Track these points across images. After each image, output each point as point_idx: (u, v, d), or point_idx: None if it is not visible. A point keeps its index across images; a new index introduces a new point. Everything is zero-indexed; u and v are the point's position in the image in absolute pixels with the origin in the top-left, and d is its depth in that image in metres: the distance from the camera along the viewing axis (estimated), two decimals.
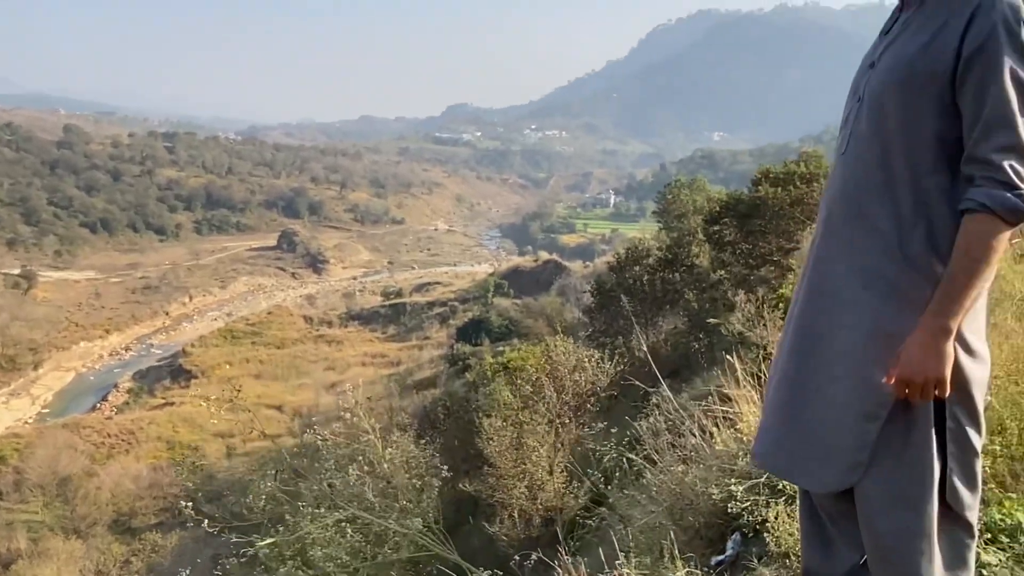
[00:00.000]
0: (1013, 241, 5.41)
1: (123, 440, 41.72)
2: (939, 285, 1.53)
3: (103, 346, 69.33)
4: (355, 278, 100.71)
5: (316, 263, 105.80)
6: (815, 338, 1.71)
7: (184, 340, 67.01)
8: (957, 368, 1.57)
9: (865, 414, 1.61)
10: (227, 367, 53.31)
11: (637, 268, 25.43)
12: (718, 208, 20.83)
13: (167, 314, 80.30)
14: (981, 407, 1.64)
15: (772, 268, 17.66)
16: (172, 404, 47.72)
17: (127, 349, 70.07)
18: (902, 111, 1.57)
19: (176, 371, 56.46)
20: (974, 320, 1.61)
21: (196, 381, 51.36)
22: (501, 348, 32.34)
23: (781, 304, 5.62)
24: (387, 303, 72.93)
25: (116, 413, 49.11)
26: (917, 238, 1.58)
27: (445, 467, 5.87)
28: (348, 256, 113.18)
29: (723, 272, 20.17)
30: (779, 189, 18.59)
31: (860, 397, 1.62)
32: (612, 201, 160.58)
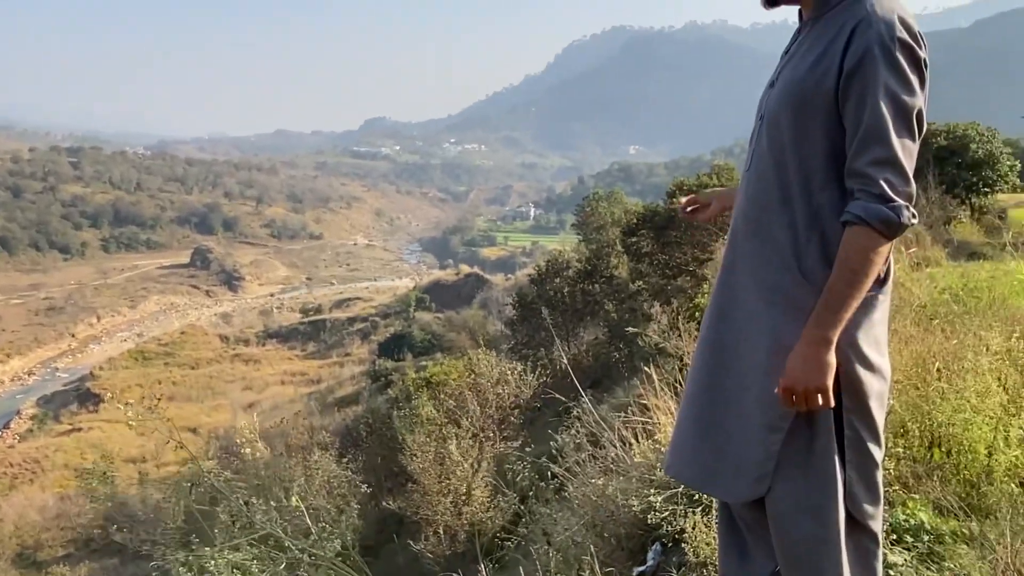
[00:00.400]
0: (910, 251, 5.67)
1: (27, 469, 39.65)
2: (820, 296, 1.57)
3: (3, 371, 65.83)
4: (272, 295, 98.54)
5: (231, 280, 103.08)
6: (725, 351, 1.75)
7: (92, 363, 64.29)
8: (855, 380, 1.62)
9: (769, 426, 1.64)
10: (138, 389, 51.30)
11: (558, 280, 25.65)
12: (635, 220, 21.20)
13: (73, 336, 76.89)
14: (880, 420, 1.67)
15: (688, 278, 18.06)
16: (80, 430, 45.64)
17: (30, 374, 66.77)
18: (794, 128, 1.61)
19: (84, 395, 54.03)
20: (872, 332, 1.65)
21: (105, 405, 49.25)
22: (424, 363, 32.08)
23: (697, 314, 5.74)
24: (306, 320, 71.59)
25: (19, 441, 46.67)
26: (812, 252, 1.62)
27: (365, 486, 5.75)
28: (265, 272, 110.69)
29: (641, 283, 20.52)
30: None
31: (764, 409, 1.65)
32: (532, 214, 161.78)
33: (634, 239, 20.65)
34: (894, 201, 1.51)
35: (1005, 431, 2.56)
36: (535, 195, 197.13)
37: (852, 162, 1.55)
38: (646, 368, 3.43)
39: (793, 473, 1.64)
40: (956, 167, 14.64)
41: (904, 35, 1.52)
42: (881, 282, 1.66)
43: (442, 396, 15.54)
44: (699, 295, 13.89)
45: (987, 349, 2.82)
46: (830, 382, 1.56)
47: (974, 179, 14.93)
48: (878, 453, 1.68)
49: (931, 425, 2.61)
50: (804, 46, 1.66)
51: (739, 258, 1.75)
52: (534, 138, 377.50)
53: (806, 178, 1.62)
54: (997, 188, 15.74)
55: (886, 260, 1.63)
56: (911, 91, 1.53)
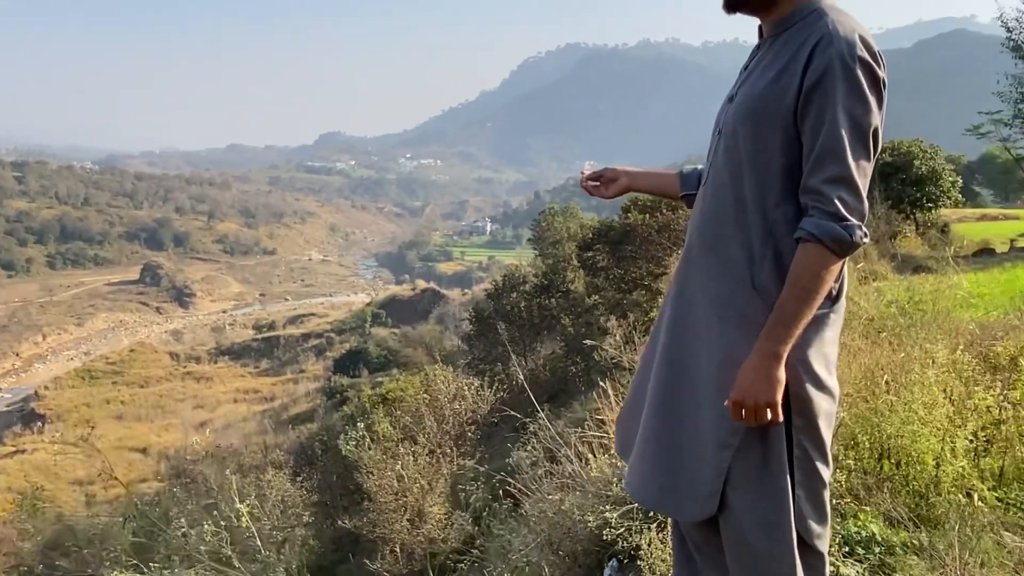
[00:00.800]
0: (858, 265, 5.78)
1: None
2: (772, 312, 1.57)
3: None
4: (225, 311, 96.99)
5: (182, 297, 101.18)
6: (680, 368, 1.74)
7: (37, 382, 62.42)
8: (804, 399, 1.62)
9: (720, 443, 1.64)
10: (85, 409, 49.96)
11: (514, 295, 25.67)
12: (591, 235, 21.36)
13: (17, 355, 74.64)
14: (828, 439, 1.68)
15: (643, 292, 18.20)
16: (24, 452, 44.18)
17: None
18: (752, 143, 1.62)
19: (28, 416, 52.37)
20: (822, 351, 1.65)
21: (51, 425, 47.82)
22: (380, 379, 31.81)
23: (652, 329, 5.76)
24: (259, 336, 70.54)
25: None
26: (766, 268, 1.62)
27: (307, 513, 5.63)
28: (217, 289, 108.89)
29: (597, 297, 20.63)
30: (647, 216, 19.26)
31: (716, 426, 1.65)
32: (488, 229, 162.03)
33: (590, 253, 20.78)
34: (847, 220, 1.52)
35: (952, 442, 2.61)
36: (491, 210, 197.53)
37: (807, 179, 1.56)
38: (602, 383, 3.42)
39: (748, 489, 1.64)
40: (901, 183, 15.06)
41: (865, 54, 1.54)
42: (833, 299, 1.66)
43: (398, 412, 15.42)
44: (654, 308, 14.01)
45: (933, 362, 2.88)
46: (779, 397, 1.56)
47: (918, 195, 15.38)
48: (826, 472, 1.68)
49: (880, 437, 2.65)
50: (764, 62, 1.67)
51: (693, 273, 1.75)
52: (490, 153, 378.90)
53: (762, 194, 1.62)
54: (940, 203, 16.23)
55: (838, 277, 1.64)
56: (869, 110, 1.55)
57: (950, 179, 16.07)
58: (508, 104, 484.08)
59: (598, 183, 2.15)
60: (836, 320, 1.69)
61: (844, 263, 1.62)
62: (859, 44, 1.54)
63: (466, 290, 73.42)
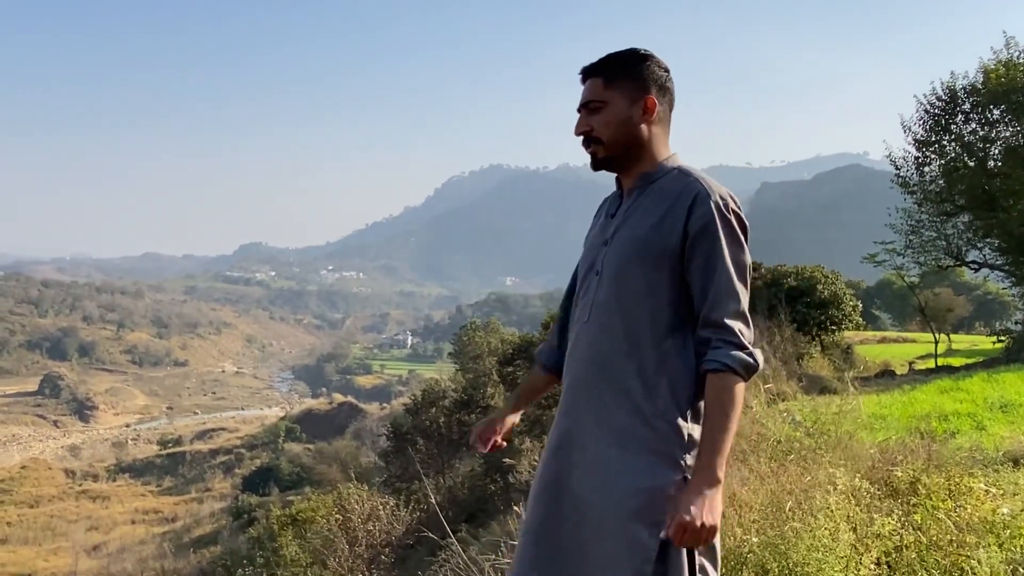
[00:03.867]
0: (767, 386, 5.97)
1: None
2: (702, 441, 1.69)
3: None
4: (128, 425, 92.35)
5: (83, 409, 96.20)
6: (574, 501, 1.76)
7: None
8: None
9: (636, 572, 1.65)
10: None
11: (434, 410, 25.30)
12: (511, 350, 21.46)
13: None
14: (717, 547, 1.77)
15: None
16: None
17: None
18: (643, 282, 1.78)
19: None
20: None
21: None
22: (292, 497, 30.53)
23: None
24: (164, 452, 67.16)
25: None
26: (662, 395, 1.74)
27: None
28: (121, 401, 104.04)
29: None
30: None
31: (630, 556, 1.66)
32: (409, 342, 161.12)
33: (510, 368, 20.80)
34: (747, 348, 1.72)
35: (856, 569, 2.65)
36: (413, 323, 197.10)
37: (709, 314, 1.74)
38: (516, 508, 3.38)
39: None
40: (806, 306, 15.77)
41: (735, 207, 1.80)
42: None
43: (309, 534, 14.75)
44: None
45: (835, 488, 2.96)
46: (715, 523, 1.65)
47: (822, 317, 16.10)
48: None
49: (788, 564, 2.68)
50: (638, 210, 1.85)
51: (583, 407, 1.81)
52: (412, 267, 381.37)
53: (654, 327, 1.77)
54: (843, 326, 17.01)
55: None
56: (745, 251, 1.80)
57: (851, 303, 16.91)
58: (431, 220, 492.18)
59: (492, 438, 2.17)
60: None
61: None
62: (730, 199, 1.79)
63: (385, 404, 72.09)
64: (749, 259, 1.80)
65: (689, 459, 1.71)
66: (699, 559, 1.69)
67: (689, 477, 1.68)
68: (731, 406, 1.68)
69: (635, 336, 1.77)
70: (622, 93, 1.87)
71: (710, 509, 1.62)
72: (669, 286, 1.77)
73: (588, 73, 1.91)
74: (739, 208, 1.80)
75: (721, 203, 1.77)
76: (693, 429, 1.74)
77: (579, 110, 1.92)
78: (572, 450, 1.80)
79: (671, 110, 1.93)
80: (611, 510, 1.70)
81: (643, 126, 1.87)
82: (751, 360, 1.71)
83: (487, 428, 2.17)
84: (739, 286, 1.75)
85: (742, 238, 1.79)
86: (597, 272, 1.88)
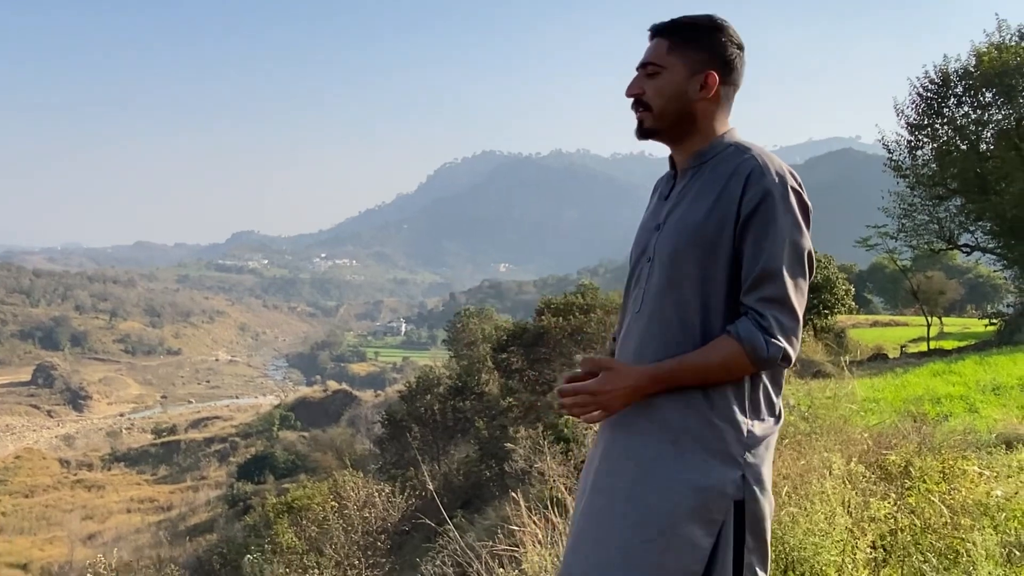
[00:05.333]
0: None
1: None
2: (678, 357, 1.62)
3: None
4: (122, 414, 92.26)
5: (77, 399, 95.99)
6: (625, 498, 1.66)
7: None
8: (759, 518, 1.61)
9: (685, 571, 1.58)
10: None
11: (428, 397, 25.38)
12: (505, 337, 21.49)
13: None
14: (768, 544, 1.68)
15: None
16: None
17: None
18: (697, 269, 1.65)
19: None
20: (769, 470, 1.67)
21: None
22: (287, 485, 30.59)
23: (562, 441, 5.77)
24: (158, 441, 67.11)
25: None
26: (718, 387, 1.62)
27: None
28: (115, 391, 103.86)
29: (511, 399, 20.60)
30: (560, 319, 19.60)
31: (680, 556, 1.59)
32: (403, 329, 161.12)
33: (504, 355, 20.85)
34: (774, 338, 1.57)
35: (853, 553, 2.66)
36: (406, 311, 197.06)
37: (745, 296, 1.62)
38: (514, 493, 3.38)
39: None
40: None
41: (794, 183, 1.65)
42: (777, 418, 1.70)
43: (304, 522, 14.77)
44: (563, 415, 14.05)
45: (830, 473, 2.96)
46: (619, 408, 1.65)
47: (815, 301, 16.16)
48: None
49: (785, 549, 2.68)
50: (691, 192, 1.72)
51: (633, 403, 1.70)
52: (406, 255, 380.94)
53: (708, 315, 1.65)
54: (836, 310, 17.07)
55: (771, 399, 1.68)
56: (803, 234, 1.64)
57: (844, 287, 16.98)
58: (425, 207, 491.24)
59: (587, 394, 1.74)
60: (776, 436, 1.73)
61: (753, 371, 1.63)
62: (788, 175, 1.65)
63: (379, 391, 72.12)
64: (808, 242, 1.66)
65: (749, 456, 1.61)
66: (747, 556, 1.61)
67: (747, 475, 1.60)
68: (714, 368, 1.59)
69: (689, 326, 1.66)
70: (684, 62, 1.72)
71: (624, 394, 1.62)
72: (725, 273, 1.64)
73: (656, 32, 1.76)
74: (800, 186, 1.66)
75: (778, 179, 1.62)
76: (753, 424, 1.63)
77: (637, 69, 1.76)
78: (623, 446, 1.70)
79: (735, 91, 1.78)
80: (666, 508, 1.60)
81: (699, 103, 1.73)
82: (763, 347, 1.56)
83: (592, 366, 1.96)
84: (787, 269, 1.61)
85: (801, 219, 1.64)
86: (649, 259, 1.76)
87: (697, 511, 1.58)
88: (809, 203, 1.68)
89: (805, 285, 1.65)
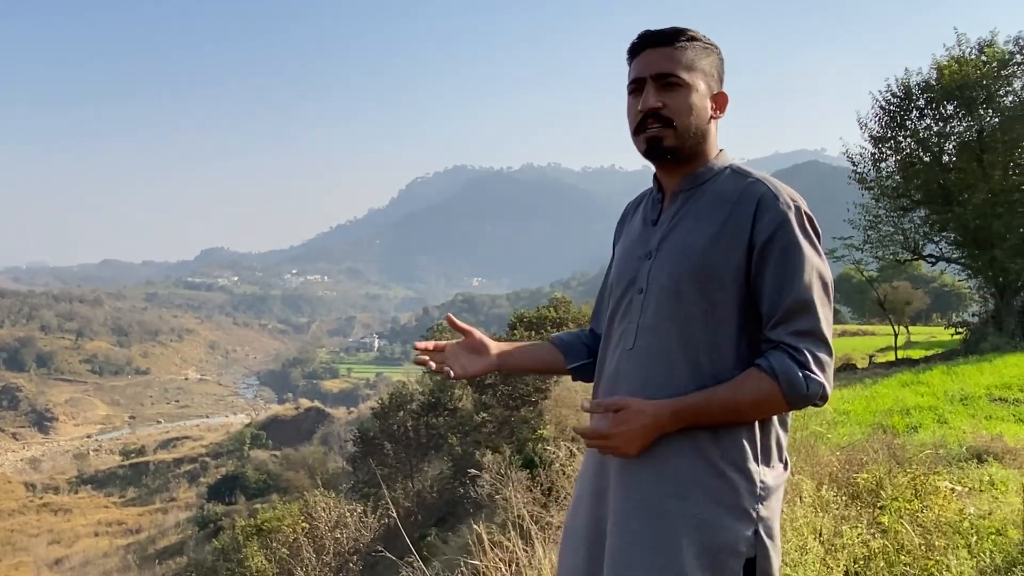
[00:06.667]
0: None
1: None
2: (705, 392, 1.47)
3: None
4: (90, 436, 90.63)
5: (43, 421, 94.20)
6: (623, 558, 1.52)
7: None
8: (768, 567, 1.50)
9: None
10: None
11: (401, 413, 25.16)
12: None
13: None
14: None
15: (531, 408, 18.22)
16: None
17: None
18: (703, 301, 1.52)
19: None
20: (779, 508, 1.55)
21: None
22: (258, 505, 30.18)
23: (529, 467, 5.69)
24: (127, 463, 66.04)
25: None
26: (729, 434, 1.50)
27: None
28: (82, 412, 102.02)
29: (485, 414, 20.49)
30: (533, 332, 19.58)
31: None
32: (376, 345, 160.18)
33: None
34: (812, 372, 1.44)
35: None
36: (379, 326, 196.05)
37: (771, 330, 1.48)
38: (476, 526, 3.29)
39: None
40: None
41: (807, 208, 1.54)
42: (786, 464, 1.59)
43: (274, 544, 14.54)
44: (541, 426, 13.97)
45: (801, 499, 2.91)
46: (634, 452, 1.49)
47: None
48: None
49: None
50: (689, 217, 1.59)
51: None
52: (378, 270, 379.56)
53: (719, 354, 1.51)
54: None
55: (781, 445, 1.56)
56: (825, 261, 1.53)
57: None
58: (396, 222, 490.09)
59: (443, 352, 1.83)
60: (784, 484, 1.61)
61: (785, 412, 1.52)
62: (801, 201, 1.53)
63: (352, 408, 71.60)
64: (829, 271, 1.52)
65: (762, 510, 1.48)
66: None
67: (760, 530, 1.47)
68: (747, 406, 1.44)
69: (696, 366, 1.50)
70: (705, 79, 1.58)
71: (641, 433, 1.46)
72: (736, 308, 1.50)
73: (663, 40, 1.57)
74: (810, 212, 1.53)
75: (793, 205, 1.50)
76: (766, 474, 1.50)
77: (643, 80, 1.57)
78: (619, 500, 1.55)
79: None
80: (672, 571, 1.46)
81: (711, 123, 1.60)
82: (802, 383, 1.42)
83: (445, 344, 1.85)
84: (817, 302, 1.47)
85: (820, 246, 1.51)
86: (641, 290, 1.59)
87: (706, 573, 1.44)
88: (819, 228, 1.55)
89: (831, 317, 1.51)
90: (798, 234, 1.48)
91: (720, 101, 1.61)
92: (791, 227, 1.48)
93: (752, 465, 1.48)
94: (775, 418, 1.53)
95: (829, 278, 1.52)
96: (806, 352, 1.44)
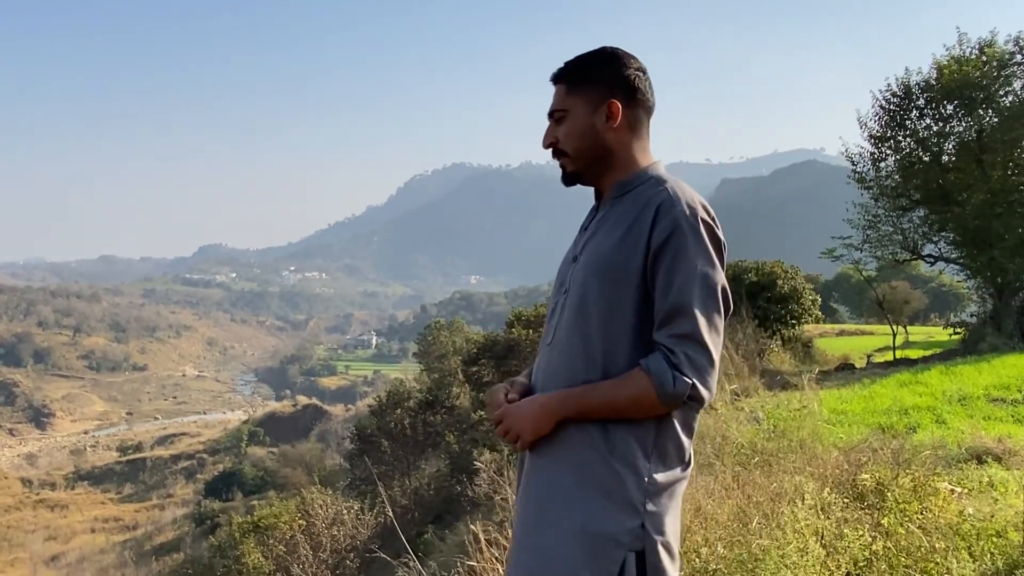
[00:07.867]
0: (732, 387, 5.95)
1: None
2: (592, 384, 1.58)
3: None
4: (87, 432, 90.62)
5: (40, 417, 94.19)
6: (532, 535, 1.62)
7: None
8: (657, 562, 1.54)
9: None
10: None
11: (399, 411, 25.13)
12: (476, 349, 21.39)
13: None
14: None
15: None
16: None
17: None
18: (604, 301, 1.61)
19: None
20: (676, 523, 1.61)
21: None
22: (255, 502, 30.20)
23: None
24: (124, 459, 65.98)
25: None
26: (619, 429, 1.57)
27: None
28: (79, 408, 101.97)
29: (483, 412, 20.49)
30: (531, 330, 19.56)
31: None
32: (374, 342, 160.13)
33: (475, 368, 20.73)
34: (683, 375, 1.51)
35: None
36: (377, 323, 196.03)
37: (656, 332, 1.57)
38: (473, 526, 3.28)
39: None
40: (766, 301, 15.93)
41: (706, 216, 1.60)
42: (685, 465, 1.64)
43: (271, 541, 14.53)
44: None
45: (803, 500, 2.90)
46: (531, 438, 1.63)
47: (783, 312, 16.27)
48: None
49: None
50: (607, 223, 1.69)
51: (544, 438, 1.65)
52: (376, 267, 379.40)
53: (614, 351, 1.60)
54: (803, 320, 17.20)
55: (682, 446, 1.62)
56: (716, 268, 1.59)
57: (810, 297, 17.11)
58: (395, 219, 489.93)
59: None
60: (685, 483, 1.66)
61: (662, 409, 1.57)
62: (700, 207, 1.60)
63: (350, 405, 71.61)
64: (721, 277, 1.60)
65: (650, 505, 1.55)
66: None
67: (647, 525, 1.54)
68: (624, 400, 1.53)
69: (591, 361, 1.61)
70: (585, 99, 1.71)
71: (533, 423, 1.61)
72: (633, 308, 1.59)
73: (555, 79, 1.75)
74: (712, 219, 1.62)
75: (688, 211, 1.58)
76: (657, 472, 1.57)
77: (548, 119, 1.77)
78: (533, 484, 1.66)
79: (648, 113, 1.75)
80: (562, 554, 1.55)
81: (608, 134, 1.70)
82: (670, 384, 1.51)
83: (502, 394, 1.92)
84: (699, 305, 1.55)
85: (712, 252, 1.59)
86: (565, 291, 1.72)
87: (593, 559, 1.52)
88: (723, 238, 1.63)
89: (720, 322, 1.59)
90: (688, 240, 1.56)
91: (612, 110, 1.70)
92: (682, 233, 1.56)
93: (641, 462, 1.56)
94: (676, 421, 1.60)
95: (717, 283, 1.59)
96: (681, 354, 1.53)
